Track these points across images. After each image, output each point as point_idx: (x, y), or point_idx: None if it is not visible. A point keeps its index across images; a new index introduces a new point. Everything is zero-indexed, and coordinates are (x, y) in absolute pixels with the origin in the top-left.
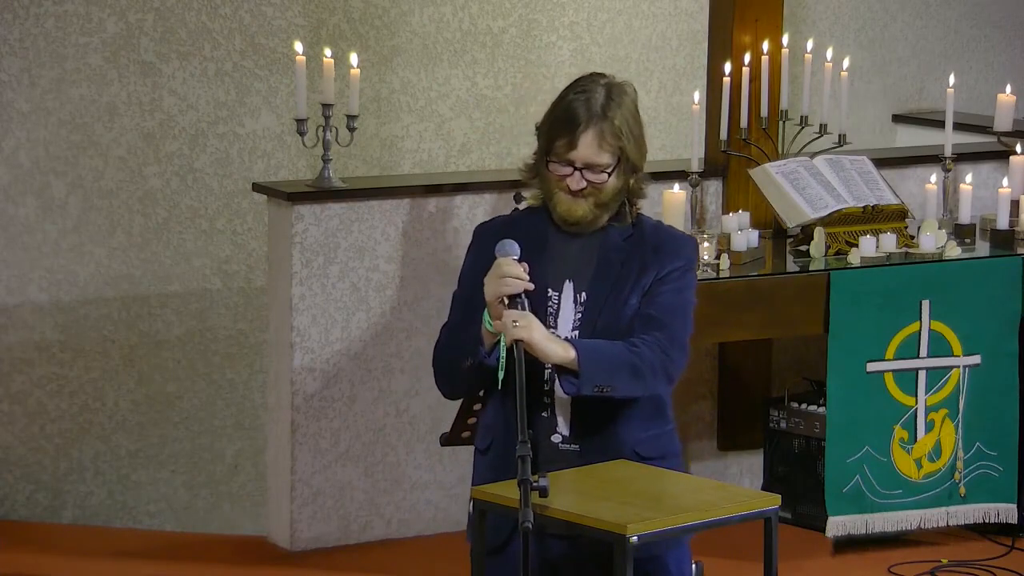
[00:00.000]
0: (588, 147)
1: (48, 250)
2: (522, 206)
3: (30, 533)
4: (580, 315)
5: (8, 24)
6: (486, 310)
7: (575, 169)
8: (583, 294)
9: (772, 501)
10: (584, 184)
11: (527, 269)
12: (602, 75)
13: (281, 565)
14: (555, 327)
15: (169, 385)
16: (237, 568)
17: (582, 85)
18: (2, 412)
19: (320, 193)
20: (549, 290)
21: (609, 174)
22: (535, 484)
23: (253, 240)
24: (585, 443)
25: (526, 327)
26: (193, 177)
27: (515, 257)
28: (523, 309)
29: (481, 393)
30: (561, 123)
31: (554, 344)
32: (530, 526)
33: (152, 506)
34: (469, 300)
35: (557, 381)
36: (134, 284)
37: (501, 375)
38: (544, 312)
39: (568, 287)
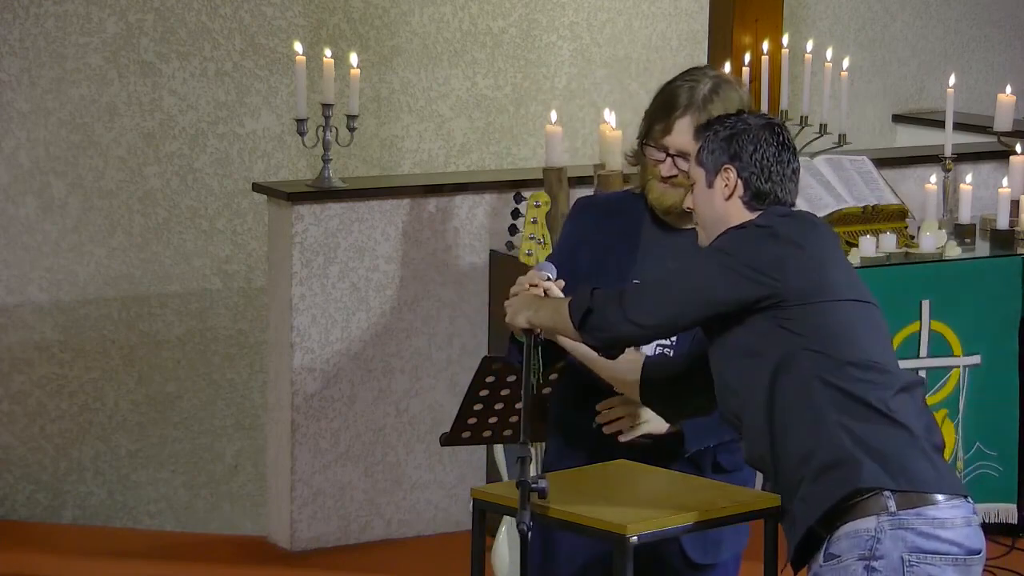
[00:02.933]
0: (682, 134)
1: (48, 250)
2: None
3: (30, 533)
4: None
5: (8, 24)
6: None
7: (668, 155)
8: None
9: (772, 501)
10: (675, 172)
11: (562, 286)
12: (714, 69)
13: (281, 565)
14: None
15: (169, 385)
16: (237, 568)
17: (692, 74)
18: (2, 412)
19: (320, 193)
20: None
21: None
22: (534, 485)
23: (253, 240)
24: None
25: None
26: (193, 177)
27: (548, 277)
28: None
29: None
30: (661, 108)
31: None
32: (526, 528)
33: (152, 506)
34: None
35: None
36: (134, 284)
37: (537, 380)
38: None
39: None
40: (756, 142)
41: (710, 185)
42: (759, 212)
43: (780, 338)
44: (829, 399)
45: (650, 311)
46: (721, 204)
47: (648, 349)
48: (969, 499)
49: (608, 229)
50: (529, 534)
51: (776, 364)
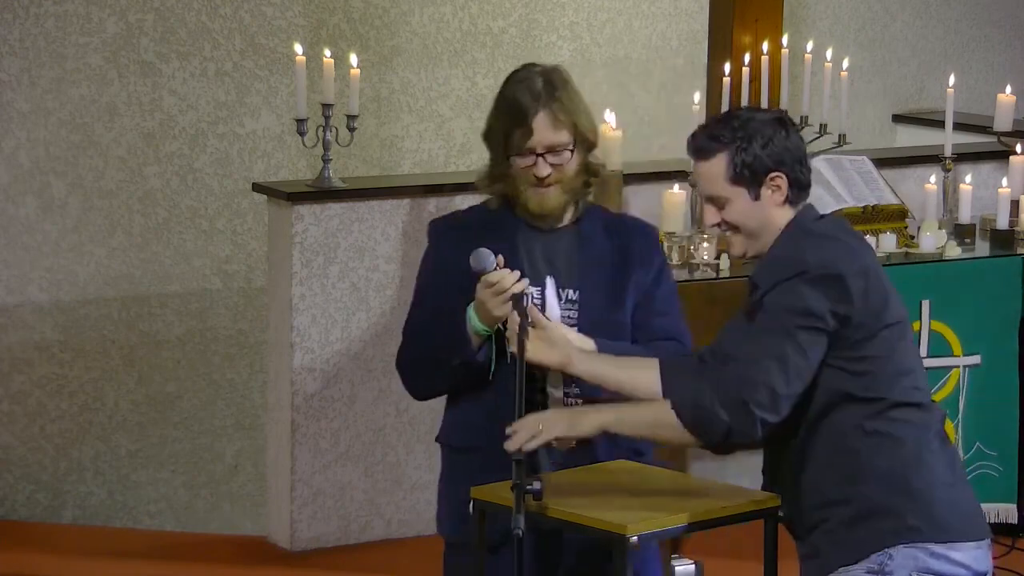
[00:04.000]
0: (545, 129)
1: (48, 250)
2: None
3: (30, 533)
4: (576, 313)
5: (8, 24)
6: (471, 311)
7: (538, 155)
8: (574, 291)
9: (772, 501)
10: (549, 170)
11: (503, 263)
12: (533, 64)
13: (281, 565)
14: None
15: (169, 385)
16: (237, 568)
17: (517, 77)
18: (2, 412)
19: (320, 193)
20: (539, 287)
21: (571, 151)
22: (530, 488)
23: (253, 240)
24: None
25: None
26: (193, 177)
27: (495, 265)
28: (528, 305)
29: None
30: (512, 116)
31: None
32: (520, 533)
33: (152, 506)
34: (436, 299)
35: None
36: (134, 284)
37: (492, 370)
38: None
39: (550, 283)
40: (786, 139)
41: (757, 197)
42: (799, 208)
43: (828, 376)
44: (870, 447)
45: (777, 404)
46: (772, 211)
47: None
48: (989, 533)
49: (483, 245)
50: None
51: (819, 408)
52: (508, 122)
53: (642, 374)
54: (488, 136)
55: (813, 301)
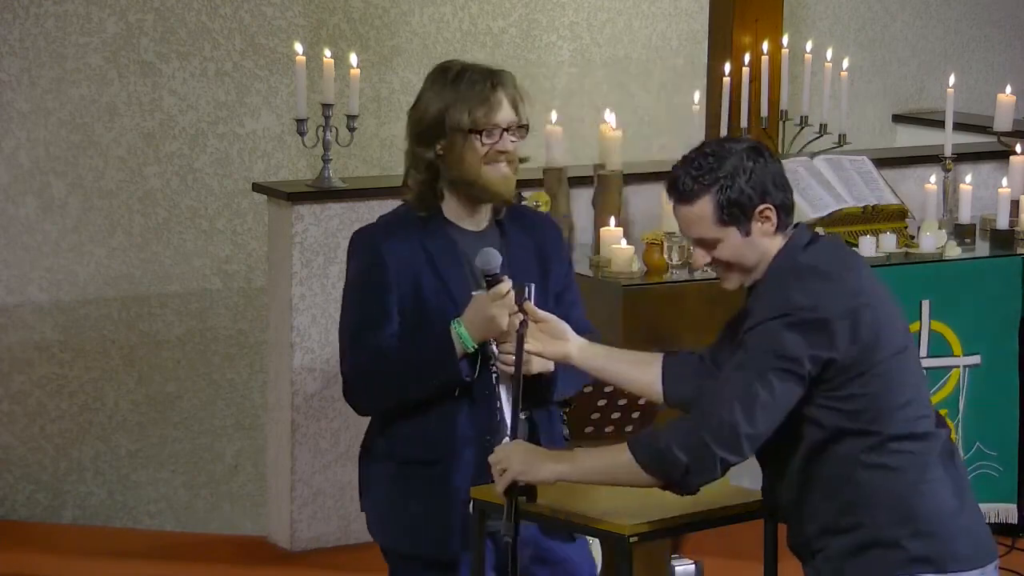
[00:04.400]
0: (507, 106)
1: (48, 250)
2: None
3: (30, 533)
4: None
5: (8, 24)
6: (460, 327)
7: (503, 131)
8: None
9: None
10: (513, 145)
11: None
12: (455, 60)
13: (281, 565)
14: None
15: (169, 385)
16: (237, 568)
17: (457, 64)
18: (2, 412)
19: (320, 193)
20: (474, 293)
21: (523, 134)
22: (522, 492)
23: (253, 240)
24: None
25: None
26: (193, 177)
27: (498, 266)
28: (527, 300)
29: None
30: (474, 93)
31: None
32: (511, 539)
33: (152, 506)
34: (383, 312)
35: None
36: (134, 284)
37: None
38: None
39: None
40: (767, 167)
41: (748, 233)
42: (790, 234)
43: (823, 415)
44: (869, 479)
45: (738, 444)
46: (764, 242)
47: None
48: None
49: (417, 249)
50: (515, 545)
51: (816, 442)
52: (470, 99)
53: (641, 370)
54: (427, 125)
55: (791, 345)
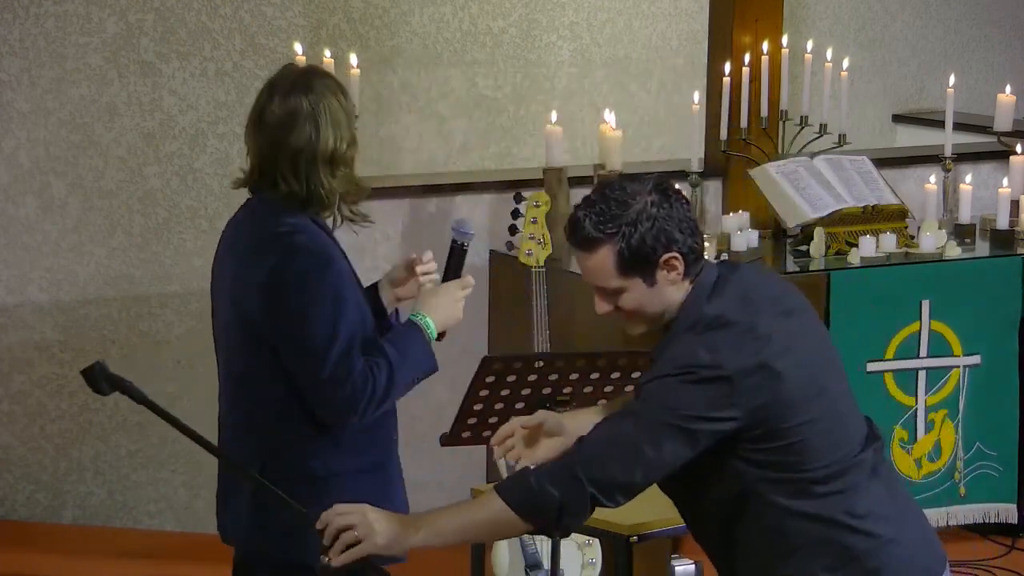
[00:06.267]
0: None
1: (48, 250)
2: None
3: (30, 533)
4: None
5: (8, 24)
6: (426, 318)
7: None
8: None
9: None
10: None
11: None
12: (293, 64)
13: None
14: None
15: (169, 385)
16: None
17: (314, 77)
18: (2, 412)
19: None
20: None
21: None
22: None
23: None
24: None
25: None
26: (193, 177)
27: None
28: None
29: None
30: (350, 110)
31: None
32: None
33: (152, 506)
34: (365, 314)
35: None
36: (134, 284)
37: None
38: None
39: None
40: (671, 210)
41: (652, 283)
42: (695, 277)
43: (742, 465)
44: (797, 526)
45: (611, 490)
46: (669, 290)
47: None
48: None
49: (340, 254)
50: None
51: (735, 494)
52: (351, 117)
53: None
54: (342, 145)
55: (688, 402)
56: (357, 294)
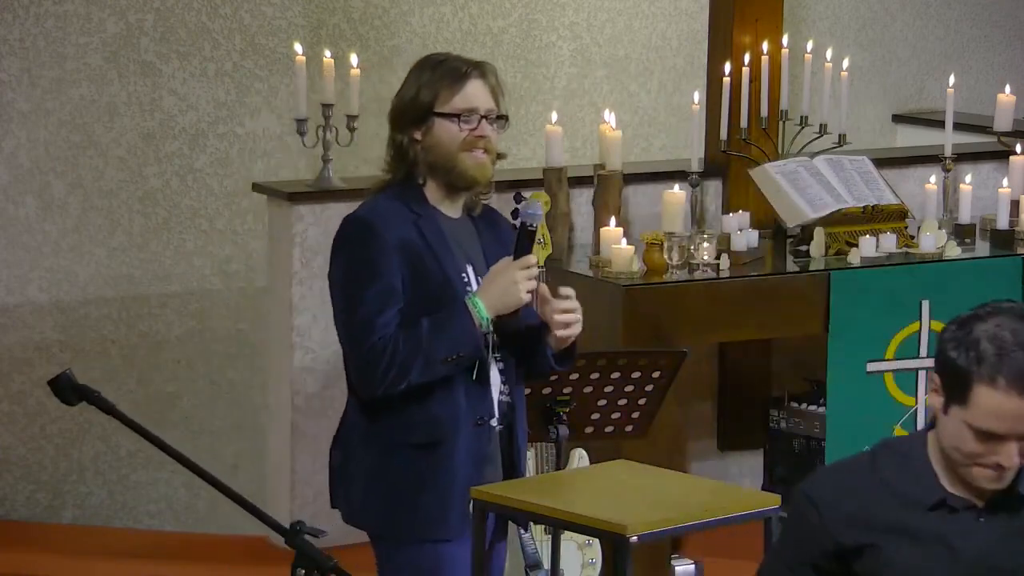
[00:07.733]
0: (486, 94)
1: (48, 250)
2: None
3: (30, 533)
4: None
5: (8, 24)
6: (478, 300)
7: (481, 118)
8: (480, 279)
9: (772, 501)
10: (491, 132)
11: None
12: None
13: (281, 565)
14: None
15: (169, 385)
16: (237, 568)
17: (442, 54)
18: (2, 412)
19: (320, 193)
20: (464, 275)
21: (502, 124)
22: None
23: (253, 240)
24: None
25: None
26: (193, 177)
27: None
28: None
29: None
30: (453, 79)
31: None
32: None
33: (152, 506)
34: (394, 292)
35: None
36: (134, 284)
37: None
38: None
39: (470, 271)
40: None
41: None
42: None
43: None
44: None
45: None
46: None
47: None
48: None
49: (413, 231)
50: None
51: None
52: (449, 84)
53: None
54: (407, 109)
55: None
56: (404, 270)
